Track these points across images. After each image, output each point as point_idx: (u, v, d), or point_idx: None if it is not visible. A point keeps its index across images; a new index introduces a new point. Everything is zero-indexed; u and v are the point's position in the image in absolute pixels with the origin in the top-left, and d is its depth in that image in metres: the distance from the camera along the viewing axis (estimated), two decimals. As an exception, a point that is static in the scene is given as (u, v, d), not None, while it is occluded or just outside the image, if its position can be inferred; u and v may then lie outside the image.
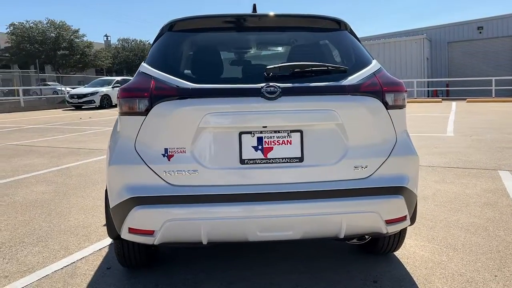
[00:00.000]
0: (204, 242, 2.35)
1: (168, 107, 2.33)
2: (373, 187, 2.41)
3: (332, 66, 2.53)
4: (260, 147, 2.35)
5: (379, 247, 3.05)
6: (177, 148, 2.33)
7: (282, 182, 2.35)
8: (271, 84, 2.32)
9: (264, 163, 2.35)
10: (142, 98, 2.35)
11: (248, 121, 2.33)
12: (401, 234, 2.97)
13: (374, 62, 2.71)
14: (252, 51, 2.88)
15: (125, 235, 2.43)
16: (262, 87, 2.31)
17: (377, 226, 2.44)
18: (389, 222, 2.47)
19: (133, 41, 58.52)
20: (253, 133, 2.34)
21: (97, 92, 21.99)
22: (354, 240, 2.86)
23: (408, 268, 2.97)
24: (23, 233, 3.81)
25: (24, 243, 3.58)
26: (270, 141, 2.36)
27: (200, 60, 2.69)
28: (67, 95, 23.22)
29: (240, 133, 2.34)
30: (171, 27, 2.77)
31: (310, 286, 2.73)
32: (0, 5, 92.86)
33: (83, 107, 22.55)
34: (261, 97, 2.30)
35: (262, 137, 2.35)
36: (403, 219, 2.52)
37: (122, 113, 2.43)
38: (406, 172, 2.53)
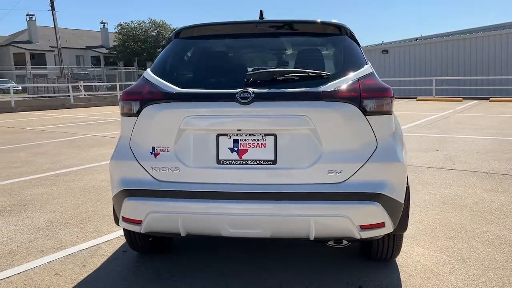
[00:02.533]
0: (183, 234, 2.57)
1: (154, 110, 2.58)
2: (345, 192, 2.44)
3: (313, 72, 2.59)
4: (236, 148, 2.51)
5: (373, 253, 3.03)
6: (162, 147, 2.58)
7: (255, 183, 2.48)
8: (245, 89, 2.46)
9: (239, 164, 2.50)
10: (135, 101, 2.63)
11: (224, 124, 2.50)
12: (396, 241, 2.93)
13: (365, 67, 2.72)
14: (247, 56, 3.02)
15: (121, 223, 2.74)
16: (237, 93, 2.46)
17: (349, 230, 2.46)
18: (364, 228, 2.49)
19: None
20: (230, 136, 2.51)
21: None
22: (331, 243, 2.89)
23: (402, 276, 2.93)
24: (71, 215, 4.35)
25: (68, 223, 4.10)
26: (246, 144, 2.50)
27: (192, 65, 2.91)
28: None
29: (218, 135, 2.51)
30: (177, 34, 3.02)
31: (294, 285, 2.83)
32: (111, 7, 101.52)
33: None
34: (235, 102, 2.45)
35: (238, 139, 2.50)
36: (379, 225, 2.51)
37: (122, 114, 2.73)
38: (386, 179, 2.51)
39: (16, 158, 7.73)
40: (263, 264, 3.13)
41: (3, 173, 6.50)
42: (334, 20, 3.21)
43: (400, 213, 2.66)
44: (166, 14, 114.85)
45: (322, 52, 2.93)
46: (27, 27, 53.90)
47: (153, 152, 2.59)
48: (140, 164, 2.61)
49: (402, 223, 2.75)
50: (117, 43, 51.84)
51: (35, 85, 29.22)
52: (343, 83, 2.52)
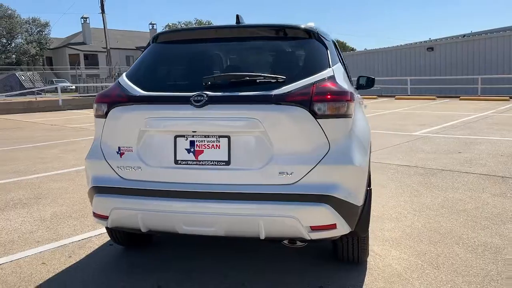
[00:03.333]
0: (143, 230, 2.72)
1: (119, 112, 2.74)
2: (294, 193, 2.49)
3: (268, 76, 2.65)
4: (192, 149, 2.62)
5: (339, 254, 3.05)
6: (126, 147, 2.74)
7: (210, 183, 2.58)
8: (199, 93, 2.57)
9: (195, 164, 2.61)
10: (104, 103, 2.81)
11: (181, 126, 2.62)
12: (360, 243, 2.93)
13: (326, 70, 2.75)
14: (212, 61, 3.11)
15: (94, 218, 2.93)
16: (191, 96, 2.57)
17: (297, 231, 2.51)
18: (314, 229, 2.53)
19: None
20: (186, 137, 2.62)
21: None
22: (286, 242, 2.93)
23: (367, 279, 2.93)
24: (75, 209, 4.63)
25: (70, 217, 4.38)
26: (201, 145, 2.61)
27: (161, 69, 3.04)
28: None
29: (175, 136, 2.64)
30: (155, 39, 3.18)
31: (255, 284, 2.90)
32: (160, 8, 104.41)
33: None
34: (190, 105, 2.56)
35: (194, 140, 2.62)
36: (330, 227, 2.54)
37: (95, 116, 2.92)
38: (338, 181, 2.54)
39: (48, 154, 8.25)
40: (231, 261, 3.23)
41: (32, 168, 6.96)
42: (309, 24, 3.25)
43: (357, 215, 2.68)
44: (212, 14, 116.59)
45: (287, 56, 2.98)
46: (81, 30, 56.57)
47: (119, 152, 2.76)
48: (108, 163, 2.78)
49: (361, 226, 2.76)
50: (164, 44, 53.11)
51: (85, 84, 30.68)
52: (296, 87, 2.57)
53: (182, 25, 52.11)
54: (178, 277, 3.00)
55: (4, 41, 48.98)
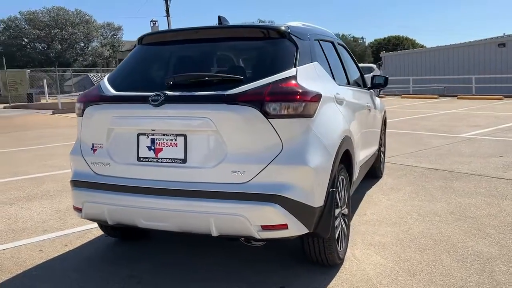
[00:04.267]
0: (110, 223, 2.88)
1: (92, 111, 2.92)
2: (245, 193, 2.52)
3: (226, 76, 2.70)
4: (152, 147, 2.73)
5: (307, 256, 3.01)
6: (98, 144, 2.91)
7: (167, 180, 2.68)
8: (157, 92, 2.67)
9: (155, 161, 2.72)
10: (81, 103, 3.00)
11: (141, 124, 2.74)
12: (326, 245, 2.88)
13: (289, 70, 2.74)
14: (183, 61, 3.18)
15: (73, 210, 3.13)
16: (150, 95, 2.67)
17: (247, 230, 2.53)
18: (265, 228, 2.54)
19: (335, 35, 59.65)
20: (147, 135, 2.74)
21: None
22: (241, 239, 2.93)
23: (332, 282, 2.88)
24: (91, 202, 4.93)
25: (83, 209, 4.67)
26: (161, 143, 2.71)
27: (137, 70, 3.16)
28: None
29: (138, 134, 2.76)
30: (140, 41, 3.33)
31: (220, 281, 2.95)
32: (225, 9, 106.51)
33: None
34: (149, 104, 2.67)
35: (154, 139, 2.72)
36: (281, 227, 2.54)
37: (77, 114, 3.12)
38: (289, 181, 2.53)
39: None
40: (205, 259, 3.31)
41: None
42: (292, 23, 3.26)
43: (315, 216, 2.64)
44: (276, 14, 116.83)
45: (253, 56, 3.00)
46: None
47: (93, 148, 2.94)
48: (84, 159, 2.97)
49: (322, 227, 2.72)
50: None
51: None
52: (251, 87, 2.59)
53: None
54: (153, 269, 3.13)
55: (82, 45, 52.49)
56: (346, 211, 3.27)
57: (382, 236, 3.67)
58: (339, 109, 3.17)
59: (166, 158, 2.69)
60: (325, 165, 2.70)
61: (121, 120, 2.80)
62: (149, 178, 2.72)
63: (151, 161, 2.73)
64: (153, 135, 2.72)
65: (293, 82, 2.67)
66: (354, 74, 4.59)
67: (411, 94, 23.42)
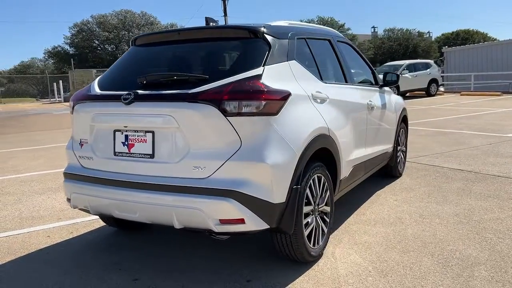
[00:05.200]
0: (92, 213, 3.11)
1: (79, 108, 3.16)
2: (204, 187, 2.63)
3: (192, 75, 2.81)
4: (126, 143, 2.91)
5: (278, 251, 3.05)
6: (84, 139, 3.14)
7: (138, 174, 2.84)
8: (128, 91, 2.84)
9: (128, 156, 2.90)
10: (72, 102, 3.25)
11: (115, 121, 2.93)
12: (293, 241, 2.91)
13: (256, 69, 2.80)
14: (161, 61, 3.30)
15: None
16: (122, 94, 2.85)
17: (205, 223, 2.64)
18: (223, 222, 2.63)
19: (399, 30, 57.69)
20: (122, 132, 2.92)
21: None
22: (206, 232, 3.00)
23: (299, 279, 2.90)
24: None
25: (100, 200, 5.00)
26: (133, 139, 2.88)
27: (121, 70, 3.34)
28: None
29: (114, 131, 2.95)
30: (133, 42, 3.54)
31: (191, 271, 3.09)
32: (281, 8, 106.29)
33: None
34: (121, 102, 2.85)
35: (128, 135, 2.90)
36: (238, 221, 2.61)
37: (70, 112, 3.38)
38: (246, 178, 2.61)
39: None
40: (180, 252, 3.45)
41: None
42: (278, 23, 3.32)
43: (276, 212, 2.69)
44: (335, 11, 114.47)
45: (225, 56, 3.09)
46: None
47: (80, 143, 3.17)
48: (74, 153, 3.22)
49: (285, 223, 2.77)
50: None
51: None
52: (213, 86, 2.68)
53: (304, 23, 52.42)
54: (139, 258, 3.33)
55: (147, 45, 54.85)
56: (326, 209, 3.27)
57: (371, 236, 3.61)
58: (316, 107, 3.17)
59: (137, 153, 2.86)
60: (287, 163, 2.73)
61: (100, 117, 3.01)
62: (123, 172, 2.91)
63: (125, 156, 2.91)
64: (126, 131, 2.90)
65: (256, 81, 2.73)
66: (358, 72, 4.52)
67: (471, 91, 22.18)
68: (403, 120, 5.59)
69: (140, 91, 2.83)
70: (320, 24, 43.23)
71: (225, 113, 2.62)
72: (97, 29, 51.41)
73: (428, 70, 21.31)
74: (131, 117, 2.86)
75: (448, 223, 3.84)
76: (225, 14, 36.18)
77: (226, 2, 35.86)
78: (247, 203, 2.59)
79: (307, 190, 2.98)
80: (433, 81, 21.33)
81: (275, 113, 2.73)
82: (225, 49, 3.15)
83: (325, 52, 3.91)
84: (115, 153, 2.95)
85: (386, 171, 5.42)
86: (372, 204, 4.50)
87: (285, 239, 2.93)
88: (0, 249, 3.62)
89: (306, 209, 2.99)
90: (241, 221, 2.62)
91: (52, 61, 55.56)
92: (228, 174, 2.62)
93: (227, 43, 3.14)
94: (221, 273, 3.02)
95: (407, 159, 6.48)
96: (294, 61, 3.17)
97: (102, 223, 4.14)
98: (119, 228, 3.96)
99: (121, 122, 2.91)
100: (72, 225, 4.18)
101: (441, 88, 25.46)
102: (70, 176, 3.20)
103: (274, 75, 2.87)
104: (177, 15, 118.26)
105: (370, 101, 4.28)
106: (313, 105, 3.15)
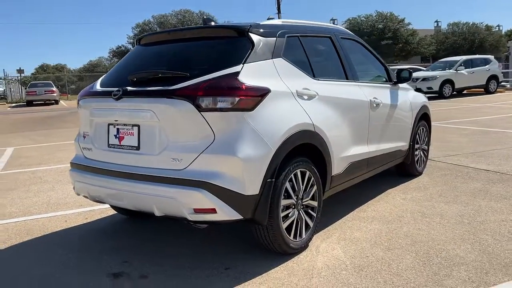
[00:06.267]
0: (90, 199, 3.39)
1: (82, 103, 3.45)
2: (180, 178, 2.81)
3: (175, 73, 2.99)
4: (117, 136, 3.15)
5: (257, 241, 3.16)
6: (86, 132, 3.43)
7: (126, 164, 3.08)
8: (118, 88, 3.07)
9: (118, 148, 3.14)
10: (78, 97, 3.55)
11: (108, 116, 3.18)
12: (270, 232, 3.01)
13: (235, 67, 2.93)
14: (154, 60, 3.47)
15: None
16: (113, 91, 3.09)
17: (180, 211, 2.82)
18: (197, 211, 2.80)
19: (464, 24, 54.81)
20: (114, 125, 3.17)
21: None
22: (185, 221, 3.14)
23: (275, 268, 3.00)
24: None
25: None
26: (123, 132, 3.12)
27: (121, 68, 3.58)
28: None
29: (108, 124, 3.21)
30: (138, 41, 3.79)
31: (172, 257, 3.28)
32: (342, 3, 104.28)
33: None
34: (111, 98, 3.09)
35: (119, 128, 3.15)
36: (210, 211, 2.77)
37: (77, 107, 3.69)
38: (219, 170, 2.76)
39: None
40: (173, 239, 3.67)
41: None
42: (273, 19, 3.45)
43: (249, 203, 2.82)
44: (395, 5, 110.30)
45: (210, 54, 3.24)
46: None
47: (84, 136, 3.47)
48: (79, 145, 3.52)
49: (259, 215, 2.89)
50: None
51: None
52: (190, 83, 2.85)
53: (362, 19, 51.25)
54: (136, 244, 3.58)
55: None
56: (312, 203, 3.34)
57: (363, 232, 3.63)
58: (301, 104, 3.23)
59: (126, 145, 3.09)
60: (260, 157, 2.84)
61: (96, 112, 3.28)
62: (114, 162, 3.16)
63: (117, 148, 3.16)
64: (117, 125, 3.15)
65: (233, 78, 2.86)
66: (368, 68, 4.50)
67: (537, 88, 20.73)
68: (423, 118, 5.45)
69: (129, 88, 3.06)
70: (378, 19, 41.57)
71: (199, 108, 2.78)
72: (157, 28, 53.37)
73: (487, 66, 20.22)
74: (121, 112, 3.10)
75: (448, 223, 3.76)
76: (279, 12, 36.30)
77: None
78: (218, 194, 2.74)
79: (287, 184, 3.07)
80: (493, 77, 20.22)
81: (250, 109, 2.85)
82: (212, 47, 3.30)
83: (324, 49, 3.95)
84: (108, 145, 3.21)
85: (402, 169, 5.34)
86: (378, 201, 4.48)
87: (262, 230, 3.04)
88: (21, 231, 4.02)
89: (285, 202, 3.08)
90: (213, 210, 2.77)
91: (117, 59, 58.46)
92: (202, 166, 2.78)
93: (214, 42, 3.29)
94: (204, 260, 3.19)
95: (433, 158, 6.31)
96: (280, 58, 3.26)
97: (114, 211, 4.45)
98: (129, 216, 4.24)
99: (113, 116, 3.15)
100: (89, 211, 4.52)
101: (507, 85, 24.03)
102: (75, 165, 3.50)
103: (254, 72, 2.99)
104: (234, 14, 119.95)
105: (375, 98, 4.25)
106: (297, 101, 3.23)
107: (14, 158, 8.05)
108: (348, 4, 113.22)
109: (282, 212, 3.06)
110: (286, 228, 3.11)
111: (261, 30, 3.25)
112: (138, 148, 3.03)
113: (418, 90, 19.35)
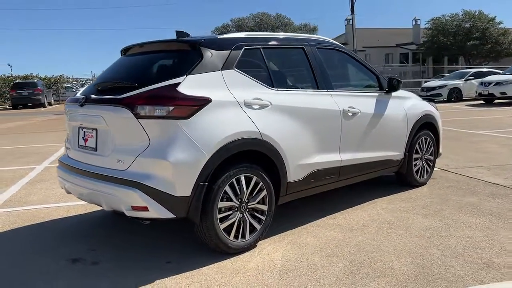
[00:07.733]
0: (67, 193, 3.85)
1: (65, 109, 3.94)
2: (120, 178, 3.16)
3: (126, 83, 3.33)
4: (84, 137, 3.58)
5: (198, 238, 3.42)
6: (68, 134, 3.91)
7: (87, 163, 3.50)
8: (82, 96, 3.50)
9: (83, 148, 3.57)
10: (65, 103, 4.05)
11: (77, 120, 3.64)
12: (205, 231, 3.25)
13: (177, 78, 3.22)
14: (120, 70, 3.81)
15: None
16: (79, 98, 3.52)
17: (120, 207, 3.17)
18: (134, 208, 3.12)
19: None
20: (82, 128, 3.60)
21: (445, 85, 21.38)
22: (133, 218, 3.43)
23: (211, 265, 3.23)
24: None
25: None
26: (87, 134, 3.54)
27: (98, 77, 4.01)
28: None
29: (78, 127, 3.65)
30: (122, 52, 4.20)
31: (124, 249, 3.63)
32: (425, 2, 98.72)
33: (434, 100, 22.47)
34: (78, 104, 3.52)
35: (85, 131, 3.57)
36: (143, 209, 3.08)
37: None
38: (151, 172, 3.07)
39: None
40: (133, 235, 4.00)
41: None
42: (204, 37, 3.68)
43: (181, 204, 3.10)
44: (483, 3, 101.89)
45: (161, 66, 3.57)
46: (344, 31, 59.93)
47: (67, 137, 3.96)
48: (65, 144, 4.02)
49: (192, 215, 3.17)
50: (426, 39, 50.78)
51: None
52: (134, 92, 3.19)
53: (447, 18, 48.52)
54: (108, 234, 4.00)
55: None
56: (260, 207, 3.51)
57: (316, 238, 3.72)
58: (247, 113, 3.40)
59: (89, 146, 3.51)
60: (192, 161, 3.08)
61: (71, 116, 3.75)
62: (81, 161, 3.59)
63: (83, 148, 3.59)
64: (83, 128, 3.58)
65: (171, 88, 3.15)
66: (344, 78, 4.53)
67: None
68: (426, 127, 5.29)
69: (92, 96, 3.47)
70: (465, 18, 38.78)
71: (137, 116, 3.10)
72: (235, 31, 54.92)
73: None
74: (83, 117, 3.53)
75: (408, 235, 3.72)
76: (353, 13, 35.68)
77: (353, 0, 35.34)
78: (150, 194, 3.04)
79: (226, 187, 3.28)
80: None
81: (186, 117, 3.11)
82: (166, 59, 3.63)
83: (292, 59, 4.08)
84: (78, 146, 3.65)
85: (400, 179, 5.25)
86: (356, 210, 4.49)
87: (200, 229, 3.28)
88: (26, 217, 4.63)
89: (225, 204, 3.30)
90: (145, 208, 3.08)
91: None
92: (138, 168, 3.11)
93: (170, 55, 3.62)
94: (152, 254, 3.51)
95: (449, 169, 6.09)
96: (232, 70, 3.48)
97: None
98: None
99: (80, 121, 3.59)
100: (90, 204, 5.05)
101: None
102: (60, 163, 4.00)
103: (197, 83, 3.24)
104: (310, 16, 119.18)
105: (350, 107, 4.27)
106: (243, 110, 3.41)
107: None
108: (432, 2, 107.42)
109: (220, 213, 3.28)
110: (225, 229, 3.32)
111: (214, 44, 3.49)
112: (96, 149, 3.43)
113: (490, 95, 18.25)
